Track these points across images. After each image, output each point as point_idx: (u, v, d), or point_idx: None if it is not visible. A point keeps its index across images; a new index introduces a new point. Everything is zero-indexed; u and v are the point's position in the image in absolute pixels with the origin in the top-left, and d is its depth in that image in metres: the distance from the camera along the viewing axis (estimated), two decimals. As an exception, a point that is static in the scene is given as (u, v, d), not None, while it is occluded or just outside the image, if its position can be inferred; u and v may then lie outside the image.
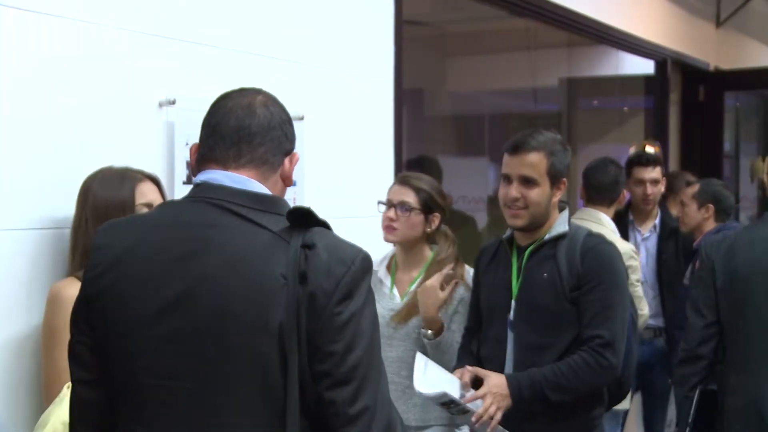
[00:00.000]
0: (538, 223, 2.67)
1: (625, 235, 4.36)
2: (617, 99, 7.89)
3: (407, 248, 3.02)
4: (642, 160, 4.57)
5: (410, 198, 2.96)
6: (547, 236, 2.67)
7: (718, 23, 7.54)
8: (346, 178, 3.49)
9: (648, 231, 4.55)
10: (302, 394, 1.56)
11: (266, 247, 1.59)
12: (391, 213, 2.96)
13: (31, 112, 2.35)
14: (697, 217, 4.25)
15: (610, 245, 2.69)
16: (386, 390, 1.68)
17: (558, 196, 2.68)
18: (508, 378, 2.56)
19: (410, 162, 5.33)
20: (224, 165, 1.68)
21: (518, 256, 2.72)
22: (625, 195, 4.06)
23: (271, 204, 1.66)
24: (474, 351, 2.79)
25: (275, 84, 3.19)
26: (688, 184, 4.58)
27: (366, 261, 1.63)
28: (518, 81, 7.29)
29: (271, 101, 1.76)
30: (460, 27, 6.85)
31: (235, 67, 2.96)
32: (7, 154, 2.29)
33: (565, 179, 2.68)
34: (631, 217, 4.57)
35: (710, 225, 4.21)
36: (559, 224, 2.69)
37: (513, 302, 2.68)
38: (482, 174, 6.65)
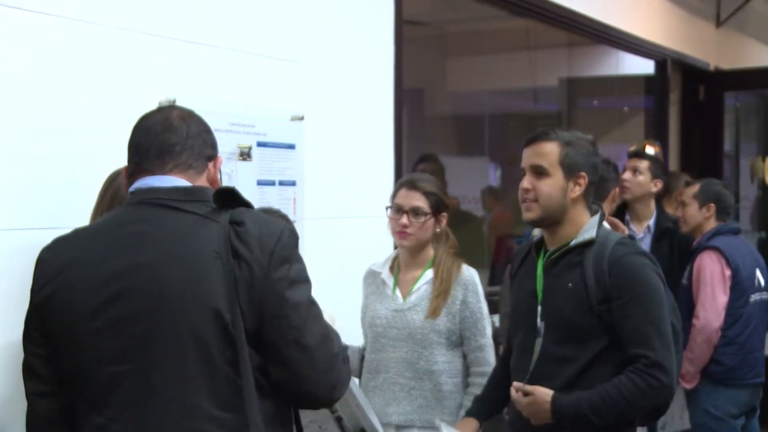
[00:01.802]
0: (552, 218, 2.50)
1: None
2: (617, 99, 7.89)
3: (415, 250, 3.01)
4: (631, 153, 4.69)
5: (422, 203, 2.94)
6: (573, 242, 2.49)
7: (718, 23, 7.54)
8: (346, 177, 3.49)
9: (642, 231, 4.56)
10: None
11: (195, 228, 1.72)
12: (405, 219, 2.94)
13: (31, 112, 2.35)
14: (698, 216, 4.24)
15: (641, 255, 2.49)
16: (330, 335, 1.83)
17: (577, 191, 2.50)
18: (554, 401, 2.40)
19: (411, 160, 5.32)
20: (153, 173, 1.81)
21: (545, 262, 2.57)
22: (616, 194, 4.06)
23: (197, 194, 1.78)
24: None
25: (275, 84, 3.21)
26: (687, 184, 4.59)
27: (292, 231, 1.79)
28: (518, 81, 7.28)
29: (187, 114, 1.88)
30: (460, 27, 6.84)
31: (235, 67, 2.96)
32: (7, 154, 2.29)
33: (584, 174, 2.50)
34: (627, 217, 4.58)
35: (711, 224, 4.21)
36: (587, 230, 2.50)
37: (540, 309, 2.53)
38: (482, 174, 6.65)
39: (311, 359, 1.73)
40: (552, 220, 2.52)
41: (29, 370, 1.83)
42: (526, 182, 2.51)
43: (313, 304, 1.78)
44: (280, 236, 1.73)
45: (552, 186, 2.49)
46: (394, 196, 3.02)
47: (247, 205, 1.78)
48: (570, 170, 2.50)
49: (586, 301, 2.42)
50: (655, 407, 2.49)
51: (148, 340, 1.69)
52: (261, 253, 1.70)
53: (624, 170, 4.52)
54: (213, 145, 1.90)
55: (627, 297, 2.39)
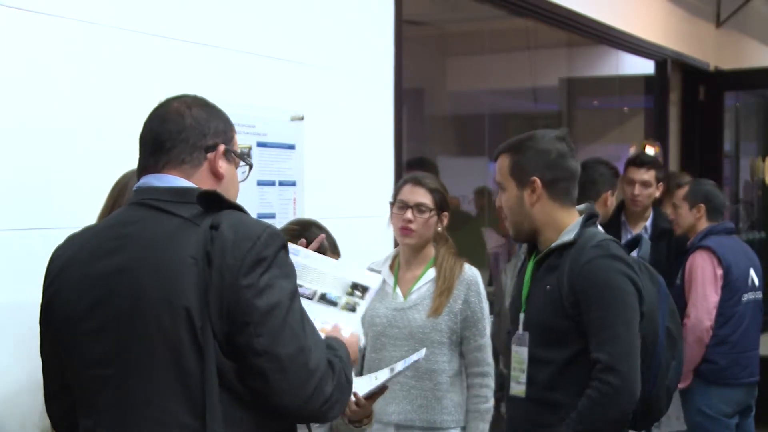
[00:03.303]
0: (524, 230, 2.47)
1: (617, 236, 4.34)
2: (617, 99, 7.89)
3: (417, 248, 3.01)
4: (636, 161, 4.55)
5: (426, 199, 2.94)
6: (553, 245, 2.44)
7: (718, 23, 7.55)
8: (346, 177, 3.50)
9: (640, 231, 4.54)
10: (221, 372, 1.64)
11: (176, 232, 1.69)
12: (409, 214, 2.94)
13: (31, 112, 2.35)
14: (689, 217, 4.24)
15: (611, 259, 2.38)
16: (316, 348, 1.71)
17: (536, 198, 2.43)
18: None
19: (409, 162, 5.33)
20: (150, 171, 1.79)
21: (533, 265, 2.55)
22: (609, 197, 4.04)
23: (189, 195, 1.73)
24: None
25: (275, 84, 3.21)
26: (678, 186, 4.58)
27: (273, 235, 1.70)
28: (518, 81, 7.29)
29: (188, 104, 1.81)
30: (460, 27, 6.85)
31: (235, 67, 2.97)
32: (7, 154, 2.29)
33: (535, 178, 2.41)
34: (623, 218, 4.56)
35: (703, 225, 4.21)
36: (568, 232, 2.44)
37: (521, 314, 2.52)
38: (482, 174, 6.65)
39: (283, 370, 1.64)
40: (527, 232, 2.48)
41: (44, 367, 1.84)
42: (497, 200, 2.51)
43: (291, 312, 1.67)
44: (255, 241, 1.65)
45: (508, 200, 2.47)
46: (397, 192, 3.02)
47: (237, 207, 1.73)
48: (520, 179, 2.44)
49: (561, 303, 2.39)
50: (624, 412, 2.36)
51: (126, 346, 1.67)
52: (233, 258, 1.63)
53: (629, 182, 4.44)
54: (217, 132, 1.81)
55: (590, 300, 2.35)
